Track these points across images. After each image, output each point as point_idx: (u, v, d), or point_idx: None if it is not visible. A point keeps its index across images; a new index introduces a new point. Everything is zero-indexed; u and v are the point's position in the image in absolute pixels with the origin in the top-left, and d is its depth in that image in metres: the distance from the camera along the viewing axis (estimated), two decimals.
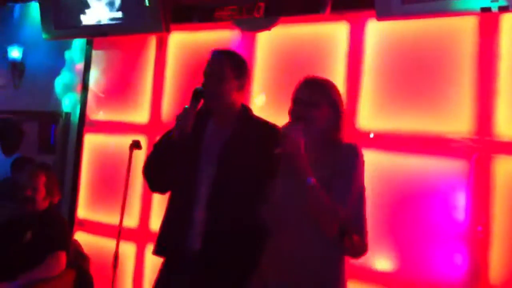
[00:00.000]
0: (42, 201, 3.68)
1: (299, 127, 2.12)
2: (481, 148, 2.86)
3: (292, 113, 2.21)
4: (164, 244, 2.53)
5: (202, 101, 2.43)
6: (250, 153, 2.41)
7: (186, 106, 2.40)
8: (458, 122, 2.93)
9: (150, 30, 3.87)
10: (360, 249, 2.20)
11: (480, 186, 2.85)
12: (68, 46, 4.60)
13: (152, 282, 3.44)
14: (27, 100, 4.75)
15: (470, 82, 2.91)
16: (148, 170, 2.55)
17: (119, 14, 3.98)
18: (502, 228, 2.77)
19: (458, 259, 2.84)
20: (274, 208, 2.23)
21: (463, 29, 2.94)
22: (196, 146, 2.49)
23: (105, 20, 4.04)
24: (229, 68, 2.46)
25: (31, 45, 4.83)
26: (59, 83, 4.60)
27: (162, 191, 2.63)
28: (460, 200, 2.88)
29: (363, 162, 2.18)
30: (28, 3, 4.86)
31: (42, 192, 3.67)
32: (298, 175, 2.08)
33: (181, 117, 2.39)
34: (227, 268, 2.37)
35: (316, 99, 2.19)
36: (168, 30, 3.75)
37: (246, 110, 2.58)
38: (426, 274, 2.90)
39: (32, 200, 3.62)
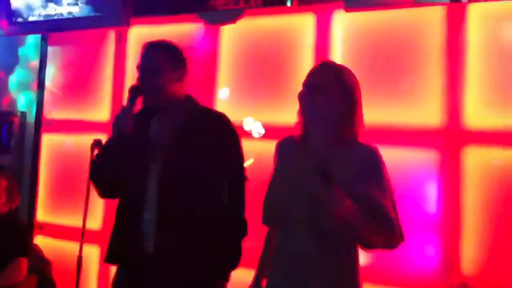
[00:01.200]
0: (2, 207, 3.54)
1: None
2: (450, 138, 2.85)
3: (300, 97, 2.01)
4: (115, 251, 2.40)
5: (141, 96, 2.31)
6: (198, 144, 2.29)
7: (122, 105, 2.31)
8: (427, 113, 2.91)
9: (109, 24, 3.73)
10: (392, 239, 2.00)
11: (450, 176, 2.84)
12: (21, 43, 4.42)
13: None
14: None
15: (439, 73, 2.90)
16: (93, 175, 2.44)
17: (76, 8, 3.82)
18: (473, 219, 2.77)
19: (430, 250, 2.83)
20: (276, 207, 2.08)
21: (431, 19, 2.92)
22: (141, 146, 2.35)
23: (61, 15, 3.88)
24: (163, 60, 2.34)
25: None
26: (13, 81, 4.42)
27: (111, 196, 2.50)
28: (431, 191, 2.87)
29: (384, 161, 1.99)
30: None
31: (2, 197, 3.53)
32: (332, 207, 1.86)
33: (119, 117, 2.28)
34: (183, 270, 2.26)
35: (327, 85, 1.98)
36: (128, 24, 3.62)
37: (190, 101, 2.45)
38: (398, 266, 2.88)
39: None
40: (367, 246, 2.01)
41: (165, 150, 2.32)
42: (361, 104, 2.04)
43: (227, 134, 2.36)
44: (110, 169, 2.34)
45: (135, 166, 2.34)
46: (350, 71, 2.06)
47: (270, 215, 2.13)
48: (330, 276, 1.97)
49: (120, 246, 2.37)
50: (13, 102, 4.45)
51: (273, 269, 2.10)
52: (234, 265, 2.32)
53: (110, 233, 2.43)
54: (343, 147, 1.98)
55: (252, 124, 3.37)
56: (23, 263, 3.43)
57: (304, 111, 2.00)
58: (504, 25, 2.77)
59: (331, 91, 1.97)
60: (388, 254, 2.85)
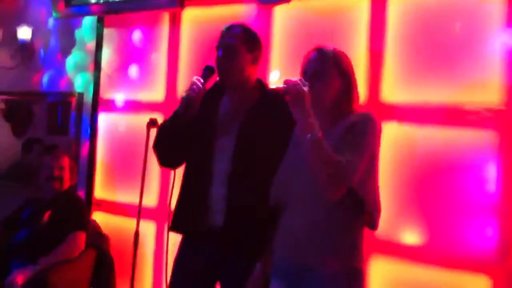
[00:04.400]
0: (65, 183, 3.71)
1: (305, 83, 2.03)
2: (509, 118, 2.80)
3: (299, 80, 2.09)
4: (181, 221, 2.51)
5: (214, 77, 2.42)
6: (268, 126, 2.39)
7: (195, 79, 2.39)
8: (485, 92, 2.85)
9: (163, 6, 3.78)
10: (374, 218, 2.11)
11: (509, 156, 2.79)
12: (78, 25, 4.53)
13: (172, 260, 3.47)
14: (37, 81, 4.68)
15: (499, 51, 2.82)
16: (157, 145, 2.54)
17: None
18: None
19: (488, 231, 2.79)
20: (283, 182, 2.19)
21: None
22: (210, 121, 2.46)
23: None
24: (241, 42, 2.43)
25: (40, 25, 4.75)
26: (70, 63, 4.54)
27: (172, 166, 2.61)
28: (490, 171, 2.83)
29: (379, 129, 2.09)
30: None
31: (66, 174, 3.70)
32: (301, 128, 1.99)
33: (189, 92, 2.37)
34: (251, 244, 2.35)
35: (324, 70, 2.11)
36: (182, 6, 3.67)
37: (261, 85, 2.55)
38: (455, 247, 2.86)
39: (60, 180, 3.67)
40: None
41: (239, 128, 2.41)
42: (356, 83, 2.18)
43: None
44: (173, 140, 2.44)
45: (203, 142, 2.44)
46: (344, 54, 2.19)
47: (277, 192, 2.22)
48: (333, 246, 2.04)
49: (186, 217, 2.49)
50: (70, 83, 4.57)
51: (279, 244, 2.17)
52: None
53: (176, 204, 2.54)
54: (339, 120, 2.10)
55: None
56: (82, 237, 3.58)
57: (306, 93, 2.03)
58: None
59: (328, 76, 2.11)
60: (445, 236, 2.87)
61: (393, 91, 3.10)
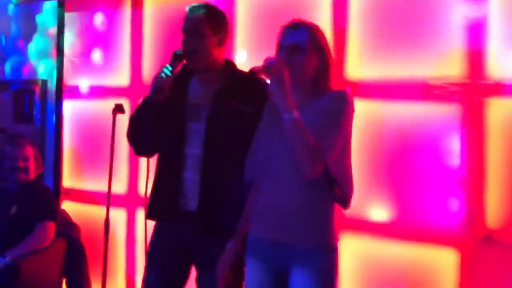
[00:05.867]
0: (31, 173, 3.65)
1: (284, 61, 2.04)
2: (473, 91, 2.81)
3: (277, 58, 2.11)
4: (157, 207, 2.51)
5: (183, 62, 2.39)
6: (238, 108, 2.38)
7: (164, 66, 2.35)
8: (449, 66, 2.85)
9: None
10: (347, 195, 2.14)
11: (473, 130, 2.81)
12: (38, 10, 4.43)
13: (144, 246, 3.45)
14: (0, 69, 4.59)
15: (462, 23, 2.82)
16: (130, 135, 2.52)
17: None
18: (497, 172, 2.74)
19: (454, 204, 2.82)
20: (259, 160, 2.20)
21: None
22: (181, 106, 2.44)
23: None
24: (206, 23, 2.39)
25: (0, 11, 4.63)
26: (32, 49, 4.44)
27: (147, 154, 2.59)
28: (454, 145, 2.84)
29: (352, 109, 2.12)
30: None
31: (32, 163, 3.65)
32: (280, 108, 1.99)
33: (158, 78, 2.34)
34: (225, 226, 2.35)
35: (302, 44, 2.10)
36: None
37: (230, 66, 2.53)
38: (422, 221, 2.88)
39: (24, 170, 3.61)
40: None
41: (208, 111, 2.39)
42: (332, 59, 2.20)
43: (264, 98, 2.40)
44: (147, 128, 2.42)
45: (173, 127, 2.42)
46: (320, 28, 2.19)
47: (253, 169, 2.23)
48: (310, 223, 2.09)
49: (161, 203, 2.49)
50: (33, 70, 4.47)
51: (256, 223, 2.19)
52: None
53: (151, 192, 2.54)
54: (317, 97, 2.11)
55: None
56: (51, 227, 3.54)
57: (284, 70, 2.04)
58: None
59: (306, 50, 2.10)
60: (413, 211, 2.90)
61: (357, 67, 3.09)
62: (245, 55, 3.41)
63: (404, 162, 2.95)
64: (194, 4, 2.47)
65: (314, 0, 3.25)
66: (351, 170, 2.15)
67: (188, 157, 2.42)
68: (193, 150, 2.41)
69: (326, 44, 2.19)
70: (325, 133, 2.01)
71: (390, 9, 3.03)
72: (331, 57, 2.19)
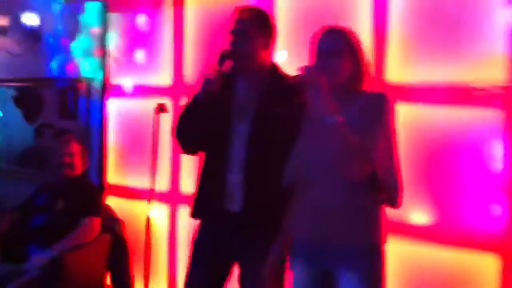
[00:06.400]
0: (77, 169, 3.75)
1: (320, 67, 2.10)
2: None
3: (316, 66, 2.17)
4: (202, 207, 2.56)
5: (230, 62, 2.41)
6: (283, 110, 2.41)
7: (213, 66, 2.40)
8: (491, 70, 2.82)
9: None
10: (395, 196, 2.14)
11: None
12: (81, 10, 4.52)
13: (186, 242, 3.52)
14: (45, 67, 4.70)
15: (503, 29, 2.78)
16: (178, 132, 2.57)
17: None
18: None
19: (496, 210, 2.79)
20: (301, 162, 2.22)
21: None
22: (227, 106, 2.49)
23: None
24: (255, 26, 2.43)
25: (45, 11, 4.74)
26: (77, 48, 4.55)
27: (193, 152, 2.67)
28: (496, 150, 2.82)
29: (393, 108, 2.14)
30: None
31: (78, 160, 3.74)
32: (322, 113, 2.02)
33: (207, 78, 2.39)
34: (269, 229, 2.39)
35: (338, 49, 2.15)
36: None
37: (275, 68, 2.55)
38: (464, 226, 2.87)
39: (70, 166, 3.72)
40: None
41: (253, 113, 2.43)
42: (367, 62, 2.23)
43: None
44: (195, 126, 2.49)
45: (220, 126, 2.48)
46: (355, 33, 2.23)
47: (294, 173, 2.25)
48: (356, 224, 2.11)
49: (206, 204, 2.55)
50: (77, 69, 4.58)
51: (301, 224, 2.22)
52: None
53: (195, 191, 2.60)
54: (351, 99, 2.14)
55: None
56: (96, 222, 3.64)
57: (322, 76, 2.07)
58: None
59: (341, 55, 2.14)
60: (454, 215, 2.88)
61: (398, 71, 3.08)
62: (285, 55, 3.43)
63: (446, 166, 2.94)
64: (243, 6, 2.53)
65: (354, 3, 3.24)
66: (399, 170, 2.16)
67: (233, 158, 2.46)
68: (238, 151, 2.46)
69: (361, 47, 2.22)
70: (367, 134, 2.04)
71: (431, 12, 3.00)
72: (365, 59, 2.22)
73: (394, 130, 2.15)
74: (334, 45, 2.15)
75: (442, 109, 2.95)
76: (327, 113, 2.01)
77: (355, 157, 2.01)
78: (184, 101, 3.76)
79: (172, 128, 2.60)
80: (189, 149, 2.66)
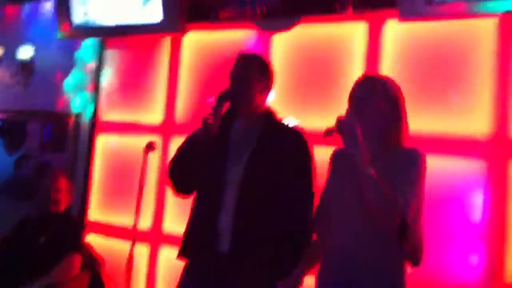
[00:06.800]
0: (62, 205, 3.72)
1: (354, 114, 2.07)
2: (498, 149, 2.86)
3: (346, 112, 2.13)
4: (191, 246, 2.54)
5: (228, 103, 2.46)
6: (276, 155, 2.44)
7: (211, 108, 2.43)
8: (476, 123, 2.93)
9: (166, 30, 3.83)
10: (418, 254, 2.11)
11: (496, 186, 2.85)
12: (78, 46, 4.57)
13: (167, 283, 3.47)
14: (35, 100, 4.72)
15: (489, 83, 2.91)
16: (174, 172, 2.57)
17: (134, 15, 3.93)
18: None
19: (475, 259, 2.84)
20: (329, 207, 2.21)
21: (482, 30, 2.93)
22: (222, 148, 2.50)
23: (122, 21, 3.99)
24: (255, 71, 2.50)
25: (40, 44, 4.79)
26: (69, 83, 4.57)
27: (187, 193, 2.64)
28: (477, 200, 2.88)
29: (425, 168, 2.08)
30: (37, 2, 4.83)
31: (65, 195, 3.71)
32: (356, 162, 1.98)
33: (207, 119, 2.42)
34: (256, 271, 2.39)
35: (369, 94, 2.11)
36: (184, 31, 3.71)
37: (270, 113, 2.60)
38: (443, 273, 2.91)
39: (56, 202, 3.67)
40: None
41: (246, 157, 2.46)
42: (405, 112, 2.15)
43: (303, 151, 2.50)
44: (192, 166, 2.49)
45: (214, 167, 2.48)
46: (393, 81, 2.18)
47: (324, 218, 2.24)
48: (378, 277, 2.06)
49: (194, 243, 2.52)
50: (67, 103, 4.60)
51: (326, 268, 2.19)
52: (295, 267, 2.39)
53: (186, 229, 2.58)
54: (388, 152, 2.10)
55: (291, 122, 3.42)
56: (77, 259, 3.57)
57: (356, 127, 2.03)
58: None
59: (376, 103, 2.10)
60: (432, 261, 2.89)
61: None
62: (272, 95, 3.48)
63: (428, 215, 2.96)
64: (245, 52, 2.61)
65: (348, 50, 3.34)
66: (422, 229, 2.13)
67: (225, 200, 2.46)
68: (230, 193, 2.45)
69: (399, 96, 2.16)
70: (404, 190, 1.99)
71: (419, 67, 3.12)
72: (404, 109, 2.15)
73: (423, 186, 2.09)
74: (367, 91, 2.12)
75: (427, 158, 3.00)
76: (359, 163, 1.98)
77: (385, 208, 1.96)
78: (175, 140, 3.84)
79: (167, 168, 2.59)
80: (183, 190, 2.63)
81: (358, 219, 2.07)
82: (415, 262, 2.12)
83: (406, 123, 2.16)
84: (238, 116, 2.55)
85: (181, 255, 2.56)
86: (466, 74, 2.97)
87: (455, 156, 2.93)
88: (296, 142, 2.49)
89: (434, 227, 2.91)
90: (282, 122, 2.61)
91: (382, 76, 2.22)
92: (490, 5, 2.62)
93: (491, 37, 2.91)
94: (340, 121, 2.02)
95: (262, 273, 2.38)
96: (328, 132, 2.04)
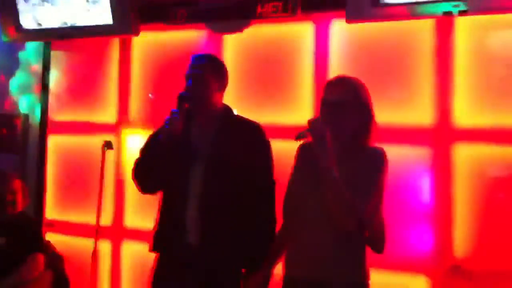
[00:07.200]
0: (18, 206, 3.74)
1: (326, 118, 2.13)
2: (441, 136, 3.19)
3: (321, 115, 2.20)
4: (162, 240, 2.67)
5: (187, 104, 2.56)
6: (235, 149, 2.58)
7: (173, 110, 2.53)
8: (420, 114, 3.24)
9: (119, 32, 3.89)
10: (381, 246, 2.31)
11: (442, 170, 3.18)
12: (21, 47, 4.55)
13: (131, 277, 3.59)
14: None
15: (430, 77, 3.21)
16: (139, 174, 2.67)
17: (84, 17, 3.97)
18: (464, 207, 3.12)
19: (425, 237, 3.16)
20: (296, 205, 2.31)
21: (422, 29, 3.22)
22: (184, 147, 2.62)
23: (69, 23, 4.02)
24: (210, 71, 2.63)
25: None
26: (14, 84, 4.55)
27: (152, 192, 2.74)
28: (425, 183, 3.20)
29: (387, 165, 2.21)
30: None
31: (19, 197, 3.73)
32: (320, 165, 2.07)
33: (170, 121, 2.51)
34: (226, 261, 2.55)
35: (341, 99, 2.17)
36: (137, 33, 3.79)
37: (227, 110, 2.75)
38: (396, 251, 3.14)
39: (12, 204, 3.68)
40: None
41: (207, 153, 2.59)
42: (374, 113, 2.26)
43: (261, 143, 2.65)
44: (157, 168, 2.59)
45: (179, 166, 2.60)
46: (364, 85, 2.26)
47: (291, 212, 2.35)
48: (346, 264, 2.22)
49: (165, 238, 2.64)
50: (14, 105, 4.58)
51: (292, 263, 2.32)
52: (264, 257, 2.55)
53: (155, 226, 2.69)
54: (357, 152, 2.22)
55: None
56: (41, 258, 3.63)
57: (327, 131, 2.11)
58: (489, 34, 3.12)
59: (348, 108, 2.17)
60: (388, 242, 3.20)
61: None
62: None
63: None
64: (198, 54, 2.74)
65: (296, 49, 3.57)
66: (383, 220, 2.32)
67: (190, 195, 2.58)
68: (194, 189, 2.58)
69: (369, 100, 2.24)
70: (363, 189, 2.11)
71: (365, 64, 3.36)
72: (373, 113, 2.24)
73: (384, 186, 2.21)
74: (340, 96, 2.17)
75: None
76: (324, 166, 2.06)
77: (344, 211, 2.07)
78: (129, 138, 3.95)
79: (132, 169, 2.67)
80: (148, 189, 2.73)
81: (322, 216, 2.16)
82: (379, 250, 2.32)
83: (375, 123, 2.26)
84: (197, 116, 2.66)
85: (153, 249, 2.68)
86: (409, 70, 3.26)
87: (404, 144, 3.23)
88: (254, 134, 2.63)
89: (387, 209, 3.23)
90: (238, 116, 2.75)
91: (353, 78, 2.26)
92: (431, 8, 2.90)
93: (430, 35, 3.21)
94: (311, 125, 2.10)
95: (231, 264, 2.55)
96: (300, 136, 2.13)
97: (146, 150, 2.67)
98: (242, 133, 2.64)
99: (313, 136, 2.10)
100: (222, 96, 2.72)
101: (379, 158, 2.21)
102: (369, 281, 2.29)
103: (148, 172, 2.63)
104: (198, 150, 2.62)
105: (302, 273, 2.25)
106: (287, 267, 2.33)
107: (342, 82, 2.24)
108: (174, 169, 2.60)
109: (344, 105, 2.17)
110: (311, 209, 2.22)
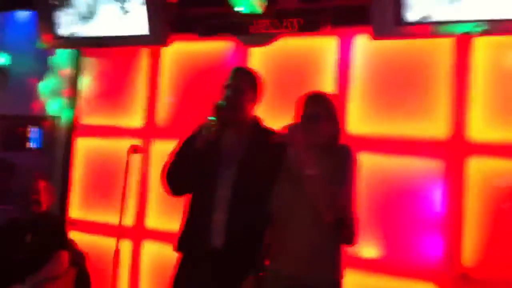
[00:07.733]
0: (43, 205, 3.88)
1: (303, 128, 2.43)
2: (455, 149, 3.32)
3: (300, 124, 2.49)
4: (187, 241, 2.78)
5: (223, 113, 2.67)
6: (264, 158, 2.69)
7: (209, 117, 2.65)
8: (436, 127, 3.38)
9: (151, 43, 4.06)
10: (352, 235, 2.47)
11: (454, 182, 3.30)
12: (52, 52, 4.72)
13: (149, 276, 3.68)
14: (14, 104, 4.85)
15: (447, 92, 3.36)
16: (170, 176, 2.78)
17: (117, 27, 4.13)
18: (474, 218, 3.24)
19: (435, 245, 3.29)
20: (283, 205, 2.53)
21: (441, 46, 3.37)
22: (217, 153, 2.74)
23: (104, 32, 4.19)
24: (249, 84, 2.77)
25: (17, 51, 4.92)
26: (45, 88, 4.73)
27: (181, 194, 2.86)
28: (437, 194, 3.33)
29: (355, 158, 2.50)
30: (13, 11, 4.96)
31: (44, 196, 3.87)
32: (301, 165, 2.35)
33: (207, 128, 2.64)
34: (247, 261, 2.65)
35: (320, 114, 2.50)
36: (168, 43, 3.95)
37: (258, 121, 2.88)
38: (407, 259, 3.34)
39: (37, 203, 3.82)
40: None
41: (239, 159, 2.72)
42: (341, 119, 2.64)
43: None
44: (189, 172, 2.72)
45: (210, 171, 2.73)
46: (334, 99, 2.62)
47: (276, 209, 2.56)
48: (324, 261, 2.45)
49: (190, 239, 2.75)
50: (43, 107, 4.75)
51: (277, 257, 2.52)
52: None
53: (182, 226, 2.80)
54: (330, 153, 2.48)
55: None
56: (65, 255, 3.76)
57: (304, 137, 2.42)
58: (505, 53, 3.26)
59: (323, 119, 2.51)
60: (399, 250, 3.33)
61: (358, 124, 3.57)
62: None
63: (394, 207, 3.43)
64: (239, 66, 2.96)
65: (320, 63, 3.73)
66: (355, 212, 2.51)
67: (219, 199, 2.69)
68: (223, 193, 2.69)
69: (336, 109, 2.60)
70: (341, 184, 2.39)
71: (385, 78, 3.54)
72: (342, 123, 2.61)
73: (354, 177, 2.51)
74: (316, 110, 2.51)
75: (394, 158, 3.46)
76: (305, 165, 2.35)
77: (327, 203, 2.35)
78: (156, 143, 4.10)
79: (164, 172, 2.78)
80: (178, 192, 2.84)
81: (304, 214, 2.43)
82: (351, 242, 2.49)
83: (342, 127, 2.63)
84: (231, 124, 2.76)
85: (178, 249, 2.79)
86: (427, 84, 3.41)
87: (418, 156, 3.38)
88: (278, 145, 2.68)
89: (400, 218, 3.38)
90: (268, 128, 2.86)
91: (324, 94, 2.61)
92: (451, 28, 3.06)
93: (448, 52, 3.36)
94: (288, 129, 2.42)
95: (252, 263, 2.63)
96: (277, 136, 2.46)
97: (179, 154, 2.79)
98: (269, 144, 2.68)
99: (289, 139, 2.41)
100: (254, 107, 2.85)
101: (347, 153, 2.50)
102: (342, 279, 2.50)
103: (179, 175, 2.76)
104: (229, 156, 2.74)
105: (284, 267, 2.47)
106: (272, 261, 2.54)
107: (316, 98, 2.58)
108: (205, 173, 2.72)
109: (318, 117, 2.51)
110: (298, 210, 2.46)
